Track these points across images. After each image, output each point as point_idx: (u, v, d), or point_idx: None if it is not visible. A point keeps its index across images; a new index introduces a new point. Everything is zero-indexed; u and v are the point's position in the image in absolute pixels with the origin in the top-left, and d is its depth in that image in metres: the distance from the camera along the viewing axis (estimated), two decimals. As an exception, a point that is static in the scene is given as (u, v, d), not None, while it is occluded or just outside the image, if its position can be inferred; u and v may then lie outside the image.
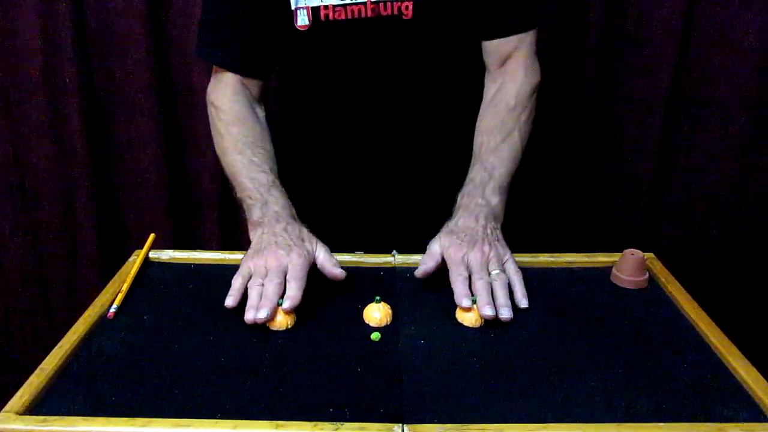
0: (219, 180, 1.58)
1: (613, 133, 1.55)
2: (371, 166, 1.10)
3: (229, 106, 1.03)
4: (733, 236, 1.60)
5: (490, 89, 1.05)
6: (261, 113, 1.06)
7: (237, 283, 0.83)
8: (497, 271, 0.86)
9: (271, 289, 0.80)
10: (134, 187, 1.60)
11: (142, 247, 0.97)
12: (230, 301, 0.82)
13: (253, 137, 1.01)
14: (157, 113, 1.52)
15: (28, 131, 1.54)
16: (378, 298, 0.82)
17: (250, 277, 0.84)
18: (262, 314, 0.78)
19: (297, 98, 1.13)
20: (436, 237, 0.91)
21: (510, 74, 1.03)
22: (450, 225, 0.92)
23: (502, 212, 0.95)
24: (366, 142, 1.09)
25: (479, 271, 0.85)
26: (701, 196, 1.58)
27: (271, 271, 0.83)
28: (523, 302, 0.84)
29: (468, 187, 0.96)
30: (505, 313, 0.81)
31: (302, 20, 0.98)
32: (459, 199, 0.95)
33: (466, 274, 0.84)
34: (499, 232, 0.92)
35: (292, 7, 0.98)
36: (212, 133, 1.08)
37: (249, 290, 0.82)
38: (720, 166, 1.55)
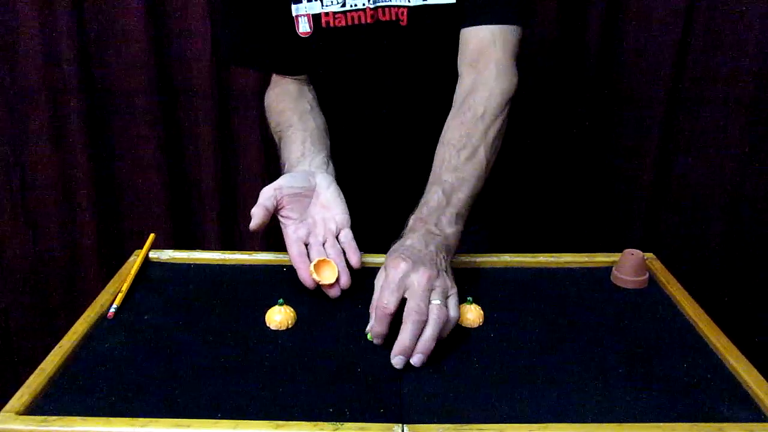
0: (219, 179, 1.58)
1: (613, 133, 1.55)
2: (370, 167, 1.11)
3: (275, 98, 1.08)
4: (733, 236, 1.60)
5: (459, 91, 0.96)
6: (309, 92, 1.09)
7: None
8: (438, 302, 0.72)
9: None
10: (134, 187, 1.60)
11: (142, 247, 0.97)
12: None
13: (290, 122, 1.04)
14: (157, 113, 1.52)
15: (28, 131, 1.54)
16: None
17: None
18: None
19: None
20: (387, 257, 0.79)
21: (481, 74, 0.93)
22: (394, 246, 0.81)
23: (456, 244, 0.84)
24: (365, 143, 1.09)
25: (419, 294, 0.72)
26: (701, 195, 1.58)
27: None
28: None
29: (422, 210, 0.84)
30: (417, 360, 0.71)
31: (304, 27, 0.99)
32: (410, 222, 0.84)
33: (396, 303, 0.73)
34: (449, 265, 0.80)
35: (293, 14, 1.00)
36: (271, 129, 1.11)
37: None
38: (720, 165, 1.55)
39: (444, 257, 0.79)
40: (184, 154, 1.58)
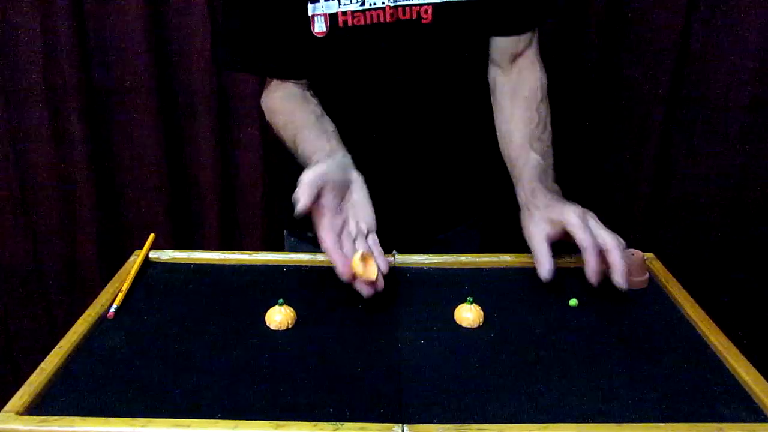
0: (219, 179, 1.58)
1: (613, 133, 1.55)
2: (379, 168, 1.10)
3: (280, 100, 1.05)
4: (733, 236, 1.60)
5: (506, 83, 1.07)
6: (313, 98, 1.06)
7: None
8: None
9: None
10: (134, 187, 1.60)
11: (142, 247, 0.97)
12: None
13: (302, 113, 1.02)
14: (157, 113, 1.52)
15: (28, 131, 1.54)
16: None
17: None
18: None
19: None
20: (535, 221, 0.90)
21: (528, 69, 1.07)
22: (540, 203, 0.92)
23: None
24: (376, 144, 1.08)
25: (600, 225, 0.86)
26: (701, 196, 1.58)
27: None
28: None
29: (533, 174, 0.98)
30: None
31: (319, 27, 0.97)
32: (527, 187, 0.96)
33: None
34: None
35: (309, 14, 0.97)
36: (277, 133, 1.07)
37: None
38: (720, 165, 1.55)
39: None
40: (184, 154, 1.58)
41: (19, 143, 1.55)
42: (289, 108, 1.04)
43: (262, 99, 1.10)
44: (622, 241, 0.85)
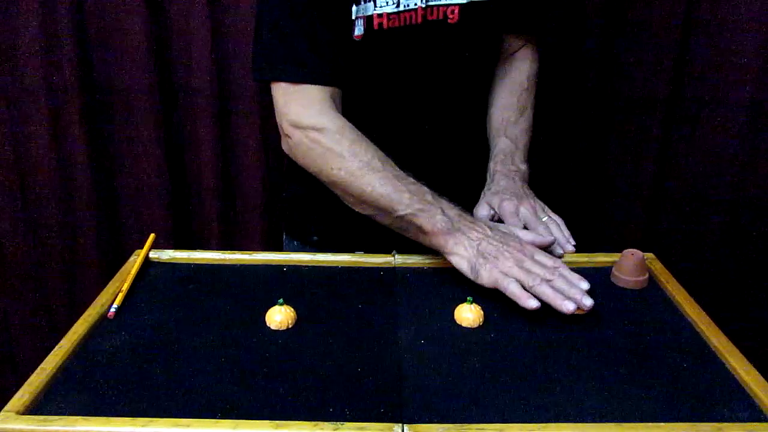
0: (219, 179, 1.58)
1: (613, 133, 1.55)
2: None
3: (340, 125, 0.95)
4: (733, 236, 1.60)
5: (500, 70, 1.15)
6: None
7: (518, 289, 0.82)
8: (548, 218, 0.99)
9: (564, 284, 0.83)
10: (134, 187, 1.60)
11: (142, 247, 0.97)
12: (535, 303, 0.80)
13: (379, 151, 0.94)
14: (157, 113, 1.52)
15: (28, 131, 1.54)
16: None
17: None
18: (588, 301, 0.81)
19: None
20: (481, 201, 1.02)
21: (520, 59, 1.15)
22: (493, 188, 1.03)
23: (528, 175, 1.08)
24: (393, 144, 1.06)
25: (533, 220, 0.97)
26: (701, 195, 1.58)
27: (543, 269, 0.84)
28: (568, 246, 0.97)
29: (499, 156, 1.08)
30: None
31: (358, 30, 0.96)
32: (492, 166, 1.07)
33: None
34: (531, 191, 1.05)
35: (353, 17, 0.95)
36: (318, 161, 0.96)
37: (538, 290, 0.82)
38: (720, 165, 1.55)
39: (527, 187, 1.05)
40: (184, 154, 1.58)
41: (19, 143, 1.55)
42: (357, 136, 0.95)
43: (295, 114, 0.97)
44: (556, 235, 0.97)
